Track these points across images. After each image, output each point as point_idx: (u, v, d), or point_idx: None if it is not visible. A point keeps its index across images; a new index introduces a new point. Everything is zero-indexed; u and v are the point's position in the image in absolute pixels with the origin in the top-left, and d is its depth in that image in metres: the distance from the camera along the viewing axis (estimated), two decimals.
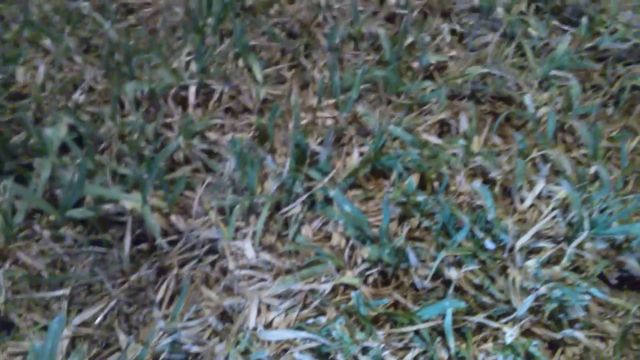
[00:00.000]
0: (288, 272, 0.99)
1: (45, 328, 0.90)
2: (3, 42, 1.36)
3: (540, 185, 1.12)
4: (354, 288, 0.97)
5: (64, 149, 1.11)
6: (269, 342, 0.90)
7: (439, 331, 0.93)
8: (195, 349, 0.90)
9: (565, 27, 1.52)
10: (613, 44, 1.44)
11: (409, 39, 1.42)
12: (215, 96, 1.27)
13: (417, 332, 0.92)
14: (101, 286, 0.97)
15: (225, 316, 0.95)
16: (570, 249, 1.01)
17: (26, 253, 0.97)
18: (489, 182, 1.15)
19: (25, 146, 1.11)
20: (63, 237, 1.01)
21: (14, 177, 1.05)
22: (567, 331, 0.94)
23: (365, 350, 0.89)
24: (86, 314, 0.93)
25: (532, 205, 1.11)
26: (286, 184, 1.08)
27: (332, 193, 1.06)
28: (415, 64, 1.38)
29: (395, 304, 0.97)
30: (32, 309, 0.93)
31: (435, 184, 1.13)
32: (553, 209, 1.08)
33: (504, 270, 1.00)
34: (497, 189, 1.14)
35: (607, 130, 1.28)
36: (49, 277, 0.96)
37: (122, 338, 0.91)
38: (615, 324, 0.98)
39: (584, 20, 1.49)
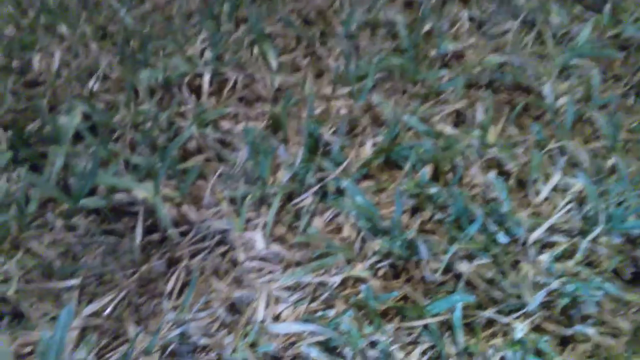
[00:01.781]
0: (298, 264, 0.99)
1: (55, 318, 0.91)
2: (20, 29, 1.36)
3: (556, 178, 1.10)
4: (364, 281, 0.96)
5: (77, 137, 1.12)
6: (277, 335, 0.90)
7: (448, 326, 0.92)
8: (203, 340, 0.90)
9: (588, 14, 1.49)
10: (636, 32, 1.41)
11: (427, 26, 1.40)
12: (229, 84, 1.27)
13: (426, 327, 0.92)
14: (112, 276, 0.98)
15: (234, 308, 0.95)
16: (584, 243, 0.99)
17: (38, 242, 0.98)
18: (504, 174, 1.13)
19: (39, 134, 1.12)
20: (75, 226, 1.02)
21: (28, 165, 1.06)
22: (579, 327, 0.93)
23: (373, 344, 0.89)
24: (96, 305, 0.94)
25: (547, 198, 1.09)
26: (298, 174, 1.07)
27: (344, 184, 1.05)
28: (433, 52, 1.36)
29: (405, 298, 0.97)
30: (43, 299, 0.94)
31: (449, 175, 1.12)
32: (568, 202, 1.06)
33: (516, 265, 0.98)
34: (512, 181, 1.12)
35: (627, 122, 1.25)
36: (60, 267, 0.97)
37: (131, 329, 0.92)
38: (628, 320, 0.96)
39: (607, 7, 1.46)
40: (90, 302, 0.95)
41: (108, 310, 0.94)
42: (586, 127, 1.23)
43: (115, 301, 0.95)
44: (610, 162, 1.14)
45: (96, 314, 0.94)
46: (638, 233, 1.03)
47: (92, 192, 1.04)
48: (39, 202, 1.03)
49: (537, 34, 1.42)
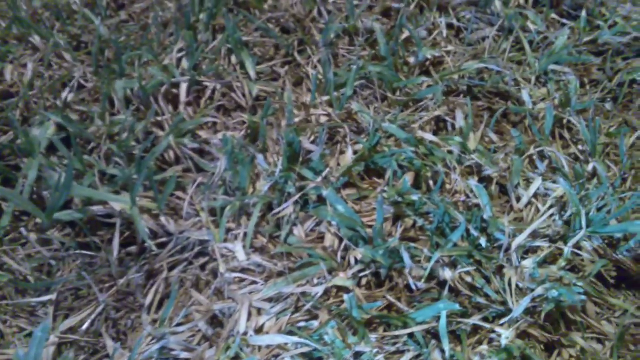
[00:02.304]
0: (280, 274, 0.97)
1: (30, 335, 0.89)
2: None
3: (537, 183, 1.10)
4: (347, 290, 0.95)
5: (51, 149, 1.09)
6: (260, 348, 0.88)
7: (433, 334, 0.91)
8: (184, 355, 0.88)
9: (564, 21, 1.50)
10: (612, 38, 1.42)
11: (405, 34, 1.39)
12: (207, 94, 1.25)
13: (411, 335, 0.91)
14: (89, 291, 0.96)
15: (216, 321, 0.93)
16: (567, 249, 0.99)
17: (12, 257, 0.96)
18: (485, 180, 1.13)
19: (12, 147, 1.09)
20: (50, 240, 0.99)
21: (0, 178, 1.04)
22: (564, 333, 0.93)
23: (358, 355, 0.87)
24: (73, 320, 0.91)
25: (528, 204, 1.09)
26: (278, 183, 1.06)
27: (325, 193, 1.03)
28: (412, 60, 1.36)
29: (389, 307, 0.96)
30: (17, 315, 0.91)
31: (431, 182, 1.11)
32: (550, 207, 1.06)
33: (499, 271, 0.98)
34: (493, 187, 1.12)
35: (605, 126, 1.26)
36: (35, 282, 0.94)
37: (110, 344, 0.90)
38: (613, 324, 0.96)
39: (583, 13, 1.47)
40: (66, 317, 0.92)
41: (85, 326, 0.92)
42: (565, 132, 1.24)
43: (93, 316, 0.93)
44: (590, 166, 1.14)
45: (73, 329, 0.91)
46: (620, 237, 1.03)
47: (67, 205, 1.01)
48: (12, 216, 1.01)
49: (515, 40, 1.42)
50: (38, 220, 1.01)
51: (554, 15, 1.52)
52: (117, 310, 0.95)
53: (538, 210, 1.07)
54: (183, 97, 1.23)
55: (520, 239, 0.99)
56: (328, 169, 1.09)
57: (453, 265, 0.98)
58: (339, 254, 0.99)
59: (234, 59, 1.33)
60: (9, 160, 1.08)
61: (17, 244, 0.99)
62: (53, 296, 0.93)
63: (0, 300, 0.92)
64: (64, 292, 0.95)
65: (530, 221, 1.05)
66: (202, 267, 1.00)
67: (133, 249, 1.01)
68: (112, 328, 0.93)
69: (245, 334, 0.89)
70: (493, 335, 0.92)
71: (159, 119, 1.19)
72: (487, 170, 1.13)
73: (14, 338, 0.89)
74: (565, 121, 1.25)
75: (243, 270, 0.98)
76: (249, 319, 0.91)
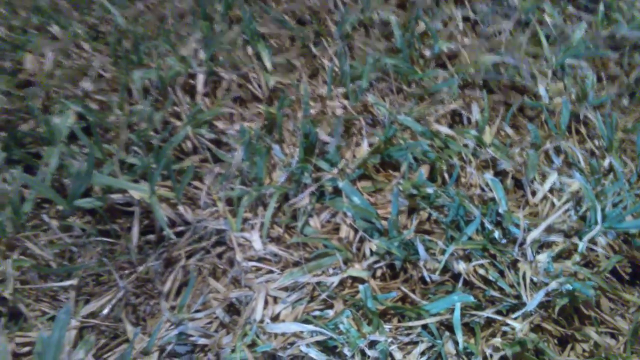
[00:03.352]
0: (296, 264, 0.98)
1: (53, 318, 0.91)
2: (11, 29, 1.35)
3: (552, 178, 1.10)
4: (362, 281, 0.96)
5: (72, 137, 1.10)
6: (276, 335, 0.89)
7: (447, 326, 0.92)
8: (201, 340, 0.90)
9: (582, 15, 1.49)
10: (630, 32, 1.41)
11: (421, 26, 1.40)
12: (224, 84, 1.26)
13: (425, 327, 0.92)
14: (109, 277, 0.97)
15: (232, 308, 0.95)
16: (582, 244, 0.99)
17: (34, 243, 0.97)
18: (500, 174, 1.13)
19: (33, 135, 1.10)
20: (71, 227, 1.01)
21: (22, 166, 1.05)
22: (578, 327, 0.93)
23: (372, 344, 0.88)
24: (94, 305, 0.93)
25: (544, 198, 1.09)
26: (295, 174, 1.07)
27: (341, 184, 1.04)
28: (427, 52, 1.36)
29: (404, 298, 0.97)
30: (40, 299, 0.93)
31: (446, 175, 1.11)
32: (565, 202, 1.06)
33: (514, 265, 0.98)
34: (508, 181, 1.12)
35: (622, 121, 1.26)
36: (57, 268, 0.96)
37: (130, 329, 0.92)
38: (626, 319, 0.97)
39: (601, 7, 1.46)
40: (87, 302, 0.94)
41: (106, 311, 0.94)
42: (581, 127, 1.24)
43: (113, 301, 0.94)
44: (606, 161, 1.14)
45: (94, 314, 0.93)
46: (636, 233, 1.03)
47: (87, 192, 1.03)
48: (34, 203, 1.02)
49: (532, 34, 1.42)
50: (59, 207, 1.03)
51: (571, 9, 1.51)
52: (137, 296, 0.96)
53: (553, 205, 1.07)
54: (200, 87, 1.24)
55: (535, 234, 1.00)
56: (344, 161, 1.10)
57: (467, 258, 0.98)
58: (354, 245, 1.00)
59: (250, 50, 1.33)
60: (30, 148, 1.10)
61: (39, 230, 1.00)
62: (74, 281, 0.94)
63: (24, 285, 0.94)
64: (85, 277, 0.96)
65: (545, 216, 1.06)
66: (219, 256, 1.01)
67: (152, 237, 1.03)
68: (132, 313, 0.95)
69: (262, 321, 0.91)
70: (506, 328, 0.92)
71: (177, 109, 1.20)
72: (503, 164, 1.13)
73: (37, 321, 0.90)
74: (581, 116, 1.25)
75: (259, 260, 0.99)
76: (265, 307, 0.92)
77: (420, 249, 0.97)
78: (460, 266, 0.97)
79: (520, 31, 1.43)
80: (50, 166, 1.04)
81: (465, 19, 1.48)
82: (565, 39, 1.41)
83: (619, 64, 1.38)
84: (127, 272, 0.98)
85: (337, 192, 1.06)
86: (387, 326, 0.91)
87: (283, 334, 0.90)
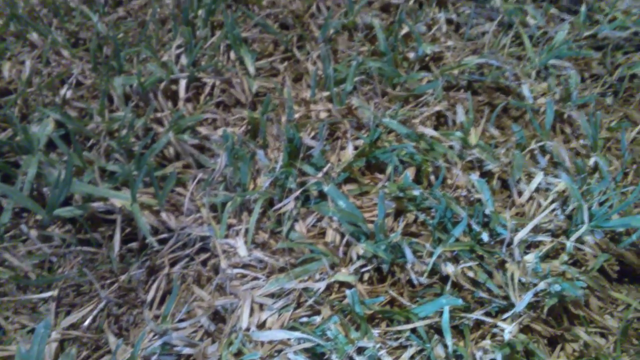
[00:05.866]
0: (281, 270, 0.97)
1: (32, 331, 0.88)
2: None
3: (538, 178, 1.09)
4: (349, 286, 0.94)
5: (51, 146, 1.09)
6: (262, 343, 0.88)
7: (436, 329, 0.91)
8: (186, 350, 0.88)
9: (564, 16, 1.50)
10: (612, 32, 1.42)
11: (405, 29, 1.39)
12: (207, 90, 1.25)
13: (413, 330, 0.90)
14: (90, 287, 0.95)
15: (218, 316, 0.93)
16: (569, 243, 0.99)
17: (13, 254, 0.95)
18: (486, 174, 1.13)
19: (11, 144, 1.08)
20: (51, 237, 0.99)
21: (0, 175, 1.03)
22: (567, 327, 0.93)
23: (360, 350, 0.87)
24: (75, 316, 0.91)
25: (530, 198, 1.09)
26: (279, 179, 1.05)
27: (326, 188, 1.03)
28: (411, 55, 1.36)
29: (392, 302, 0.95)
30: (19, 312, 0.91)
31: (432, 177, 1.11)
32: (552, 202, 1.06)
33: (502, 266, 0.97)
34: (494, 181, 1.12)
35: (606, 121, 1.26)
36: (36, 279, 0.94)
37: (112, 340, 0.89)
38: (615, 319, 0.96)
39: (583, 8, 1.47)
40: (68, 313, 0.92)
41: (87, 322, 0.92)
42: (566, 127, 1.24)
43: (95, 312, 0.92)
44: (591, 160, 1.14)
45: (75, 325, 0.91)
46: (623, 231, 1.03)
47: (67, 201, 1.01)
48: (12, 213, 1.00)
49: (515, 35, 1.42)
50: (38, 217, 1.01)
51: (553, 10, 1.52)
52: (119, 307, 0.94)
53: (540, 205, 1.07)
54: (182, 93, 1.23)
55: (522, 234, 0.99)
56: (329, 165, 1.08)
57: (455, 260, 0.97)
58: (341, 250, 0.99)
59: (232, 55, 1.32)
60: (8, 157, 1.08)
61: (18, 241, 0.98)
62: (54, 292, 0.92)
63: (2, 297, 0.91)
64: (66, 288, 0.94)
65: (532, 216, 1.05)
66: (204, 263, 1.00)
67: (134, 245, 1.01)
68: (114, 324, 0.93)
69: (248, 329, 0.89)
70: (496, 330, 0.91)
71: (159, 115, 1.18)
72: (489, 165, 1.12)
73: (16, 334, 0.88)
74: (565, 116, 1.25)
75: (244, 266, 0.97)
76: (251, 315, 0.91)
77: (408, 251, 0.95)
78: (448, 268, 0.96)
79: (503, 33, 1.43)
80: (28, 175, 1.02)
81: (449, 22, 1.48)
82: (548, 40, 1.41)
83: (601, 64, 1.38)
84: (108, 281, 0.96)
85: (322, 196, 1.05)
86: (375, 331, 0.89)
87: (270, 342, 0.88)
